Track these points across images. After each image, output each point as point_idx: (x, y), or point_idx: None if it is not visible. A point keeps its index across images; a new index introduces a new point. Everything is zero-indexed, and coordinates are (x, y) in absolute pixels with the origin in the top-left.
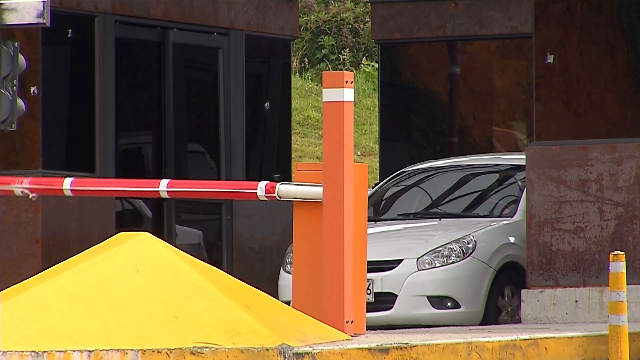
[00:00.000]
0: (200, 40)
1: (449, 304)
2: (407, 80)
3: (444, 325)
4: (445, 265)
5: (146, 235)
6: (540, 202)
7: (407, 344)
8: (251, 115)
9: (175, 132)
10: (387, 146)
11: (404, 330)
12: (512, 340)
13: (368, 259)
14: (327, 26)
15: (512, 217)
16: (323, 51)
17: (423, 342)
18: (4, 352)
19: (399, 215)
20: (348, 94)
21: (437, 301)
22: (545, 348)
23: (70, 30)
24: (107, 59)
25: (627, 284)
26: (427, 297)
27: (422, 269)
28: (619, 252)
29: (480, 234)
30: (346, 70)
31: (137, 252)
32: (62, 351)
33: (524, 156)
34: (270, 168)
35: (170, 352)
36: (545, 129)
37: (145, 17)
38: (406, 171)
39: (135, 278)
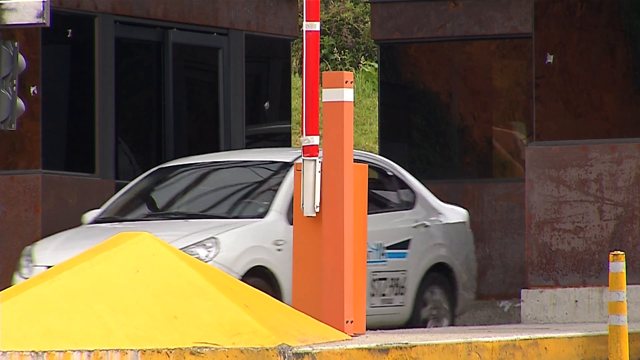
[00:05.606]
0: (200, 40)
1: None
2: (407, 80)
3: None
4: None
5: (146, 235)
6: (540, 202)
7: (407, 344)
8: (251, 115)
9: (175, 132)
10: (387, 146)
11: (403, 330)
12: (512, 340)
13: None
14: (327, 26)
15: (263, 218)
16: (322, 51)
17: (423, 342)
18: (4, 352)
19: (145, 215)
20: (348, 94)
21: None
22: (545, 348)
23: (70, 30)
24: (107, 59)
25: (627, 284)
26: None
27: None
28: (619, 252)
29: (225, 236)
30: (346, 70)
31: (137, 252)
32: (62, 351)
33: (286, 152)
34: None
35: (170, 352)
36: (545, 129)
37: (145, 17)
38: (165, 167)
39: (135, 278)
